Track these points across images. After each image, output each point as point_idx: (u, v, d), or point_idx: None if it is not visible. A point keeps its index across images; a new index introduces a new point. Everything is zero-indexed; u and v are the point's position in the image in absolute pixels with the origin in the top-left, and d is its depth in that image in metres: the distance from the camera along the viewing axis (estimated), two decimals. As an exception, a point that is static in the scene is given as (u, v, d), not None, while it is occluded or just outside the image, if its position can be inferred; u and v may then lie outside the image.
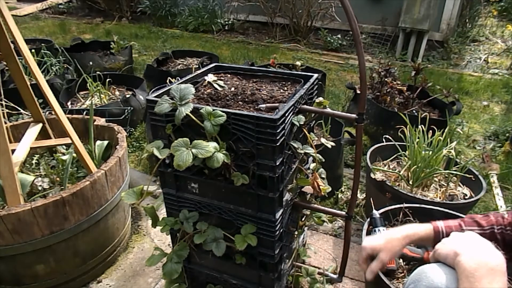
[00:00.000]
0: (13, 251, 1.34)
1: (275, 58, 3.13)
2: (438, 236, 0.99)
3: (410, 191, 1.76)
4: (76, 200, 1.40)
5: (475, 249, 0.76)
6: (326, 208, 1.33)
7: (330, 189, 1.29)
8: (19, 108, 2.26)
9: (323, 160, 1.26)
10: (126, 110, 2.52)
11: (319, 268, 1.46)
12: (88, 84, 2.76)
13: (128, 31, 5.95)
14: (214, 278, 1.31)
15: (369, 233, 1.37)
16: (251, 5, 5.61)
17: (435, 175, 1.81)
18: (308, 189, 1.30)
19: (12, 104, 2.22)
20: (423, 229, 1.03)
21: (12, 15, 1.54)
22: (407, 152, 1.88)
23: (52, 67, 3.10)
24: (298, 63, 2.89)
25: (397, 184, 1.84)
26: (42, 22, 6.53)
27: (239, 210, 1.11)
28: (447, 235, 0.96)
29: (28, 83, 1.65)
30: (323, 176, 1.34)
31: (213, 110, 0.95)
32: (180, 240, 1.20)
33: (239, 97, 1.16)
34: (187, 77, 1.25)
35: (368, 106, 2.66)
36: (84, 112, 2.19)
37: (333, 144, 1.28)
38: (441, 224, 1.02)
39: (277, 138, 0.95)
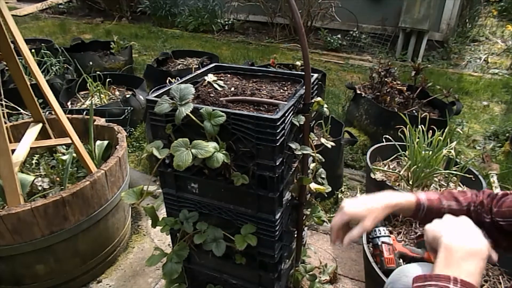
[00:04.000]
0: (13, 251, 1.34)
1: (275, 58, 3.13)
2: (418, 208, 0.96)
3: (410, 191, 1.76)
4: (76, 200, 1.40)
5: (461, 233, 0.75)
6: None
7: (330, 189, 1.29)
8: (19, 108, 2.26)
9: (323, 160, 1.27)
10: (126, 110, 2.52)
11: (319, 268, 1.46)
12: (88, 84, 2.76)
13: (128, 31, 5.95)
14: (214, 278, 1.31)
15: (369, 233, 1.37)
16: (251, 5, 5.61)
17: (435, 175, 1.81)
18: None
19: (12, 104, 2.22)
20: (404, 199, 0.98)
21: (12, 15, 1.54)
22: (407, 152, 1.88)
23: (52, 67, 3.10)
24: (298, 63, 2.88)
25: (397, 184, 1.84)
26: (42, 22, 6.54)
27: (239, 210, 1.11)
28: (428, 208, 0.95)
29: (28, 83, 1.65)
30: (323, 176, 1.34)
31: (213, 110, 0.95)
32: (180, 240, 1.20)
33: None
34: (187, 77, 1.25)
35: (368, 106, 2.66)
36: (84, 112, 2.19)
37: (333, 144, 1.28)
38: (423, 196, 0.97)
39: (277, 138, 0.95)
